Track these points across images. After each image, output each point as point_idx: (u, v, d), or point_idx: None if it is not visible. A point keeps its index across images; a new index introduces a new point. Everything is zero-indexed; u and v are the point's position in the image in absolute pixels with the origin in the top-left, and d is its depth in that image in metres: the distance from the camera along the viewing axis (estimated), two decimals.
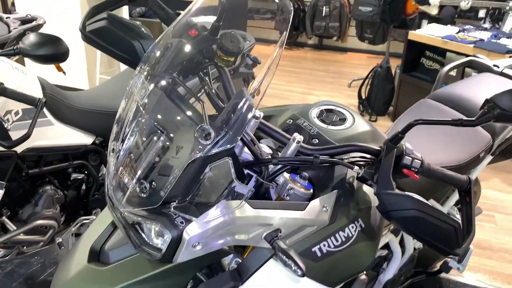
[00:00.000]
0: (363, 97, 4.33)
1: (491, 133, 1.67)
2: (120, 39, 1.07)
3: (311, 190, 1.07)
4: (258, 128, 1.09)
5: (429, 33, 3.70)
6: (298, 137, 1.06)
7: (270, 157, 1.04)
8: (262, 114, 1.09)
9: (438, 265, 1.98)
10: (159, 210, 0.87)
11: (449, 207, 1.78)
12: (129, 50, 1.07)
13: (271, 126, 1.09)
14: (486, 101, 0.98)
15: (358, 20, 4.60)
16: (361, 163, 1.07)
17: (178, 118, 0.90)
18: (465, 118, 0.98)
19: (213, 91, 1.08)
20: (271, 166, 1.05)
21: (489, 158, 1.79)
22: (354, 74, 5.14)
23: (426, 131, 1.67)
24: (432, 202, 1.67)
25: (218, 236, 0.87)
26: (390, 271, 1.67)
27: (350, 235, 1.04)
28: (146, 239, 0.90)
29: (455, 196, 1.80)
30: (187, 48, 1.00)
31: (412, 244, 1.69)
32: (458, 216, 1.81)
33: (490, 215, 2.87)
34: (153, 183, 0.87)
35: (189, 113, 0.90)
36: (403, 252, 1.70)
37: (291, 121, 1.22)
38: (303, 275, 0.86)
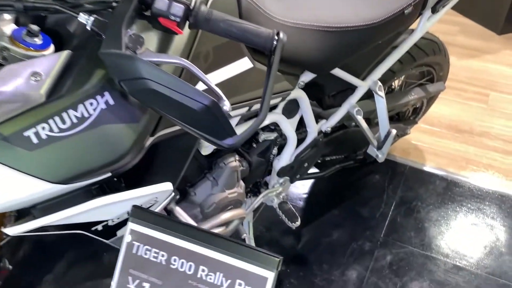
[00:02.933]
0: None
1: None
2: None
3: (50, 50, 0.77)
4: None
5: None
6: None
7: None
8: None
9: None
10: None
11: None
12: None
13: None
14: None
15: None
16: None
17: None
18: None
19: None
20: None
21: (430, 17, 1.35)
22: None
23: None
24: None
25: None
26: (284, 158, 1.39)
27: (87, 115, 0.75)
28: None
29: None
30: None
31: (315, 127, 1.38)
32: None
33: (484, 94, 2.41)
34: None
35: None
36: (304, 137, 1.40)
37: None
38: None
